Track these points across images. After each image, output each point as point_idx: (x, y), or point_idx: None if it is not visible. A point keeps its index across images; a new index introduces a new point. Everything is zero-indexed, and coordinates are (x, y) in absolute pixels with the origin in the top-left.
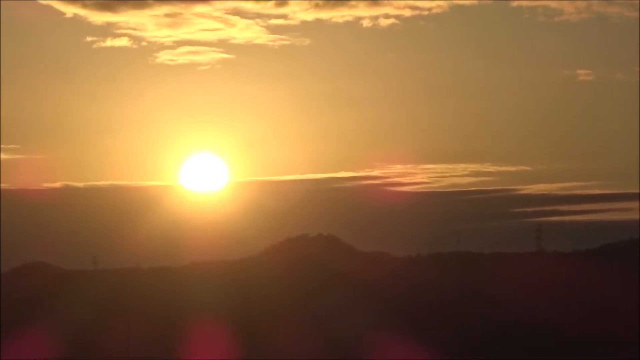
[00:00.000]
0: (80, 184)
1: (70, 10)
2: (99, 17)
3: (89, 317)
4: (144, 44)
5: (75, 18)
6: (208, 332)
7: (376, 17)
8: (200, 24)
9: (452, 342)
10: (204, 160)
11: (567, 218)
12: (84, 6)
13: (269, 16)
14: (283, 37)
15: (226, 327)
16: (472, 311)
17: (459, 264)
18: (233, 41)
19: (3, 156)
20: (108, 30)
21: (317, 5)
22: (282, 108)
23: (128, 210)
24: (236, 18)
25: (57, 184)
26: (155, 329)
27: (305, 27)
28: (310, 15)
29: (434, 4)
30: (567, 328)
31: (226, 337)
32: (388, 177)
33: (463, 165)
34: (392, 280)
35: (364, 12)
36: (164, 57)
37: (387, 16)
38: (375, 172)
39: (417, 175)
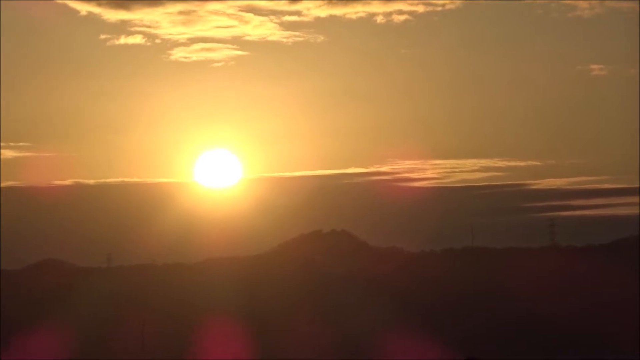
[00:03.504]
0: (91, 182)
1: (84, 8)
2: (113, 15)
3: (104, 314)
4: (157, 41)
5: (90, 16)
6: (222, 327)
7: (390, 14)
8: (214, 21)
9: (465, 336)
10: (217, 156)
11: (577, 213)
12: (99, 4)
13: (283, 13)
14: (297, 33)
15: (240, 322)
16: (486, 305)
17: (472, 259)
18: (247, 38)
19: (13, 154)
20: (122, 28)
21: (330, 2)
22: (294, 104)
23: (141, 208)
24: (250, 15)
25: (68, 182)
26: (169, 324)
27: (318, 24)
28: (323, 12)
29: (447, 0)
30: (581, 322)
31: (240, 333)
32: (398, 173)
33: (472, 161)
34: (406, 275)
35: (377, 8)
36: (178, 54)
37: (400, 12)
38: (385, 168)
39: (426, 170)
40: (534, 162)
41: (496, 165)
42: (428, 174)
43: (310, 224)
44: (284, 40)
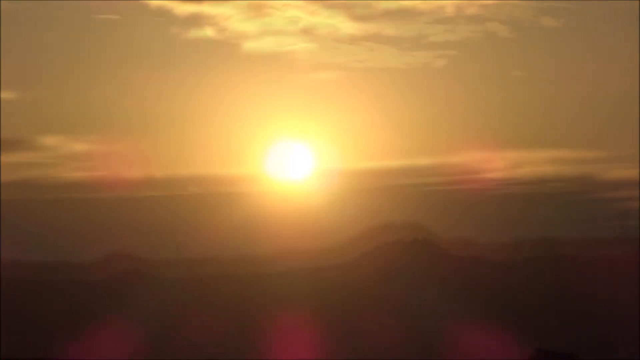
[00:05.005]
0: (161, 174)
1: (155, 1)
2: (184, 8)
3: (172, 308)
4: (228, 34)
5: (160, 10)
6: (292, 325)
7: (460, 7)
8: (285, 14)
9: (551, 342)
10: (289, 148)
11: None
12: (181, 1)
13: (354, 6)
14: (368, 26)
15: (312, 320)
16: (558, 299)
17: (556, 265)
18: (318, 30)
19: (84, 147)
20: (193, 21)
21: None
22: (362, 95)
23: (211, 202)
24: (321, 8)
25: (138, 175)
26: (235, 321)
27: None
28: (394, 4)
29: None
30: None
31: (311, 331)
32: (468, 165)
33: (542, 152)
34: (486, 283)
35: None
36: (248, 47)
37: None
38: (454, 159)
39: (495, 162)
40: (604, 153)
41: (567, 156)
42: (497, 166)
43: (384, 217)
44: (355, 32)
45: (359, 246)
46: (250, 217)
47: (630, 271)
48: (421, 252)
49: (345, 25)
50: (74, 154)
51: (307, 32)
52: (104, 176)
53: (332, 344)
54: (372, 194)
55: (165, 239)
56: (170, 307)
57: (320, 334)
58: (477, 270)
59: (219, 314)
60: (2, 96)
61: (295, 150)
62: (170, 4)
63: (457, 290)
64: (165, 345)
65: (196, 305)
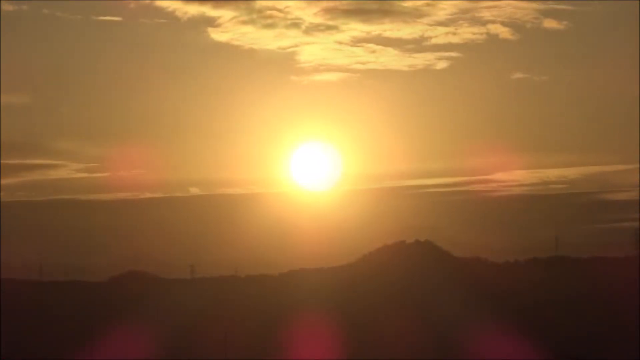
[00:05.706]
0: (177, 181)
1: (169, 6)
2: (197, 12)
3: (187, 325)
4: (243, 39)
5: (173, 14)
6: (307, 340)
7: (462, 9)
8: (287, 16)
9: (556, 344)
10: (294, 150)
11: None
12: (185, 3)
13: (356, 7)
14: (370, 27)
15: (326, 334)
16: (575, 313)
17: (557, 267)
18: (320, 32)
19: (98, 152)
20: (207, 26)
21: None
22: (363, 97)
23: (216, 203)
24: (323, 10)
25: (153, 181)
26: (252, 337)
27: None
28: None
29: None
30: None
31: (312, 330)
32: (471, 168)
33: (551, 158)
34: (491, 282)
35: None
36: (250, 48)
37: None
38: (458, 162)
39: (498, 164)
40: (613, 158)
41: (569, 158)
42: (510, 174)
43: (388, 218)
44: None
45: (361, 248)
46: (256, 219)
47: (634, 272)
48: (422, 253)
49: (347, 27)
50: (88, 158)
51: (309, 33)
52: (118, 178)
53: (333, 342)
54: (377, 197)
55: (174, 240)
56: (184, 326)
57: (321, 333)
58: (477, 271)
59: (225, 314)
60: (11, 100)
61: (300, 153)
62: (183, 8)
63: (455, 289)
64: (172, 347)
65: (205, 306)
